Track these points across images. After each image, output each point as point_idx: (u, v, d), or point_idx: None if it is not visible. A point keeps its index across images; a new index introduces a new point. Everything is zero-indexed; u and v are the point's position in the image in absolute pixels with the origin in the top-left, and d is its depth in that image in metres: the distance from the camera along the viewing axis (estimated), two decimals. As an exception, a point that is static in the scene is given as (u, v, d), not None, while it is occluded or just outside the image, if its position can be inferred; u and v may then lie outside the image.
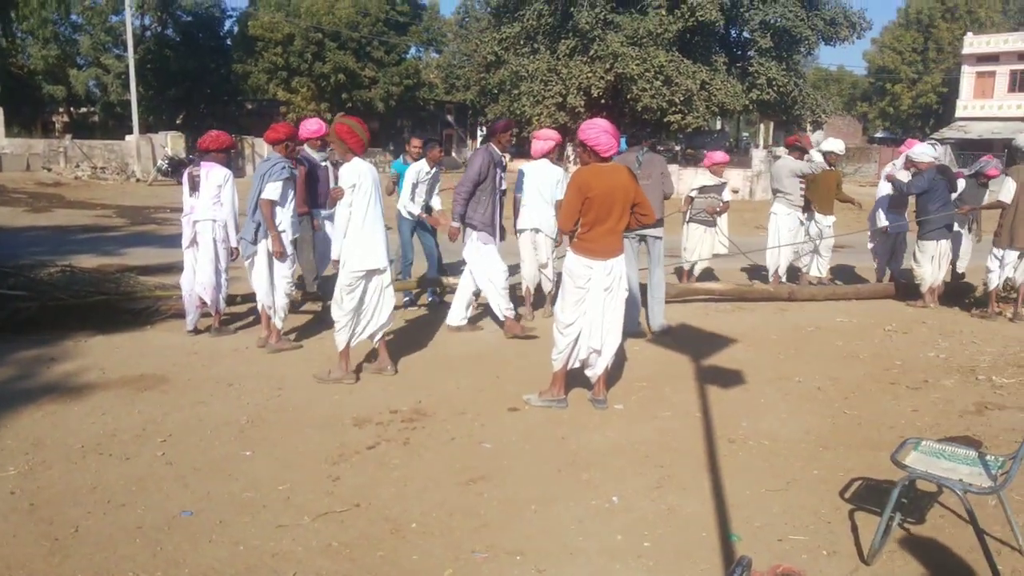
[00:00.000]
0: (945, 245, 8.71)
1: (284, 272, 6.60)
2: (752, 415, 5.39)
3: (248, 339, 7.02)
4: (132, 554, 3.47)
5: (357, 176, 5.60)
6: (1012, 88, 44.65)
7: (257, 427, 5.01)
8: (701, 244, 9.90)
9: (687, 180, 15.47)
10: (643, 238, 7.39)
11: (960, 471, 3.47)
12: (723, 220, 10.09)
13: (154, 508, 3.90)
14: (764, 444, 4.90)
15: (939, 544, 3.69)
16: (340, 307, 5.77)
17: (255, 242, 6.54)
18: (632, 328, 7.40)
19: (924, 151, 8.83)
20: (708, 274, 10.45)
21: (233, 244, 6.96)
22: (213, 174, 6.82)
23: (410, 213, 8.05)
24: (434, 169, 8.14)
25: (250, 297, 7.82)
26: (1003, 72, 44.94)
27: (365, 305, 5.84)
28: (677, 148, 33.42)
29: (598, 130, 5.21)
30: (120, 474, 4.27)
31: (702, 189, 9.81)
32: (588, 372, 5.56)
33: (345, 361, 5.92)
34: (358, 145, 5.69)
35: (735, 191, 16.46)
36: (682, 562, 3.54)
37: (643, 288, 7.64)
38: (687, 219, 9.96)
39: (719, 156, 10.04)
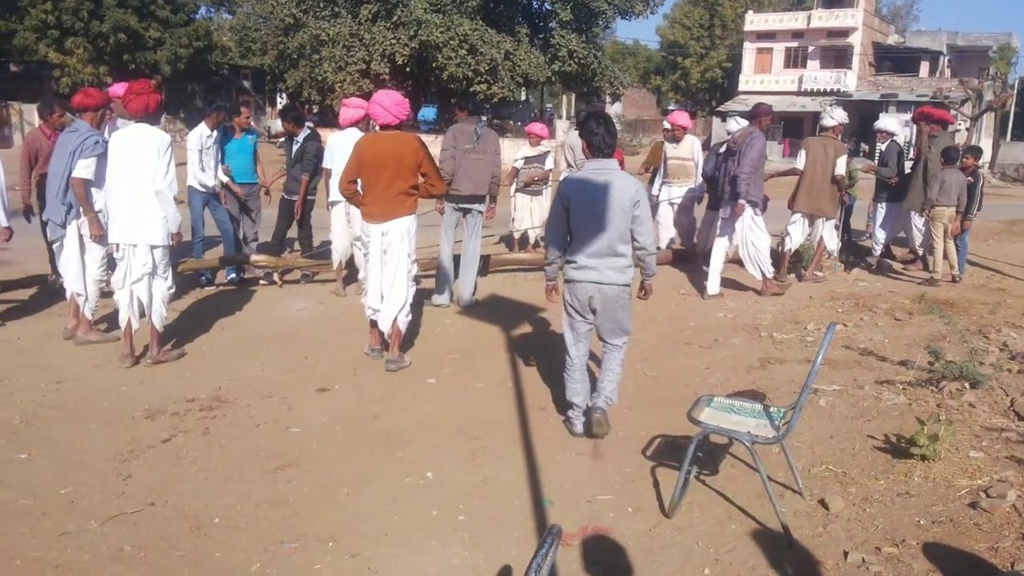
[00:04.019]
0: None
1: (96, 255, 5.96)
2: (561, 381, 5.52)
3: (19, 330, 6.33)
4: None
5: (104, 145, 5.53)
6: (787, 64, 48.67)
7: (33, 426, 4.54)
8: (529, 213, 10.13)
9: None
10: (466, 211, 7.37)
11: (748, 424, 3.74)
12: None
13: (-94, 528, 3.43)
14: (573, 409, 5.04)
15: (732, 492, 3.95)
16: (113, 281, 5.58)
17: (64, 225, 5.91)
18: (441, 300, 7.41)
19: (732, 127, 9.29)
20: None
21: (3, 224, 6.20)
22: None
23: (203, 185, 7.56)
24: (214, 134, 7.69)
25: (20, 283, 7.11)
26: (779, 49, 48.86)
27: (136, 283, 5.47)
28: (485, 118, 33.69)
29: (373, 100, 5.70)
30: None
31: (526, 160, 10.04)
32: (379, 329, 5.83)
33: (126, 341, 5.56)
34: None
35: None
36: (497, 532, 3.58)
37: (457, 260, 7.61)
38: (514, 191, 10.13)
39: (537, 128, 10.40)
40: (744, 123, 9.25)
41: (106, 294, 6.11)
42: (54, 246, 6.15)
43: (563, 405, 4.97)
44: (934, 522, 3.61)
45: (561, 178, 10.28)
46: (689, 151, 9.66)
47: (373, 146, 5.55)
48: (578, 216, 4.33)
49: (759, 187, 7.87)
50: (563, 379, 4.68)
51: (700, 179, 9.66)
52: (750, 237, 8.04)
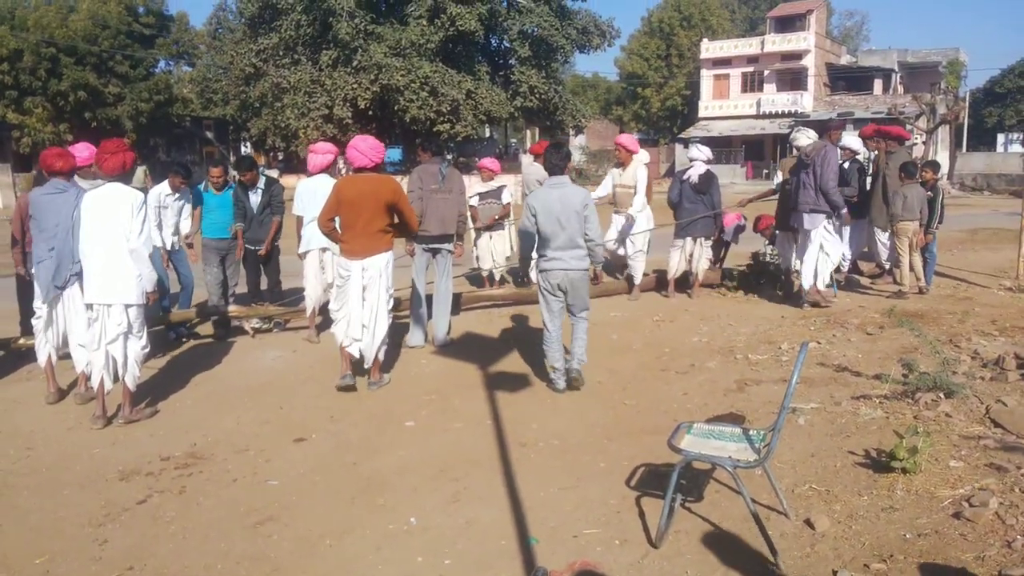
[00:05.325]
0: (692, 243, 9.32)
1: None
2: (540, 416, 5.51)
3: (-14, 395, 6.18)
4: None
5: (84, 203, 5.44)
6: (744, 88, 49.65)
7: (4, 495, 4.42)
8: (490, 252, 10.09)
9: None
10: (436, 252, 7.37)
11: (729, 448, 3.73)
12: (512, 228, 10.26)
13: None
14: (554, 443, 5.02)
15: (717, 518, 3.93)
16: (86, 342, 5.49)
17: (64, 286, 5.84)
18: (416, 341, 7.37)
19: (694, 154, 9.42)
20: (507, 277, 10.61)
21: None
22: None
23: (163, 242, 7.59)
24: (177, 194, 7.72)
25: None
26: (736, 74, 49.88)
27: (112, 343, 5.38)
28: (450, 156, 33.88)
29: (351, 146, 6.14)
30: None
31: (481, 196, 9.99)
32: (361, 356, 6.16)
33: (99, 402, 5.47)
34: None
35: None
36: (484, 574, 3.52)
37: (430, 300, 7.58)
38: (473, 228, 10.09)
39: (487, 162, 10.35)
40: (705, 149, 9.44)
41: (62, 356, 6.06)
42: (45, 308, 5.97)
43: (546, 436, 5.02)
44: (920, 535, 3.61)
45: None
46: (632, 178, 9.26)
47: (353, 187, 5.95)
48: (543, 220, 5.67)
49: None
50: (543, 352, 6.07)
51: (644, 206, 9.29)
52: (824, 246, 8.50)
